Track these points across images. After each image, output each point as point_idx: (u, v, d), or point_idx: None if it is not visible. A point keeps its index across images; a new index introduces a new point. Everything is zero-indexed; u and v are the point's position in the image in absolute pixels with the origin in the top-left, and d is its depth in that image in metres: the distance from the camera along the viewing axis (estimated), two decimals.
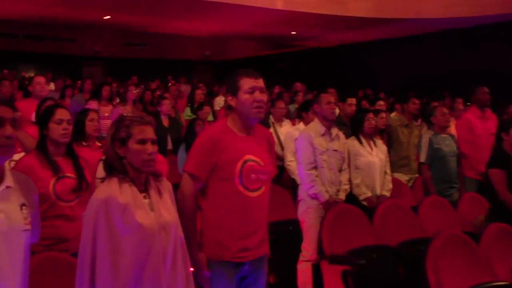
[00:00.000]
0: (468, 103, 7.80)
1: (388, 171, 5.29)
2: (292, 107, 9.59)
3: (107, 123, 7.19)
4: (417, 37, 15.64)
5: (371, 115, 5.25)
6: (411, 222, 4.84)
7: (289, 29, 16.40)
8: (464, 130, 6.36)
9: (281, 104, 6.99)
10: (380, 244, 4.45)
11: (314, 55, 19.58)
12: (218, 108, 9.69)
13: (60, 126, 3.26)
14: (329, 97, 4.83)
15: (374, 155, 5.16)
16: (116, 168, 2.41)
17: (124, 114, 2.51)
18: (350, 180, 4.99)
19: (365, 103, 8.42)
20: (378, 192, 5.10)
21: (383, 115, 6.53)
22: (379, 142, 5.40)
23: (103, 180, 2.44)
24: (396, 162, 6.22)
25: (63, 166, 3.24)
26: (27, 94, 6.71)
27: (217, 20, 15.19)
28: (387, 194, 5.14)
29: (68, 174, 3.24)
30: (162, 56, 20.95)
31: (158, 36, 20.09)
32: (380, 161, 5.17)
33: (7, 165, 2.26)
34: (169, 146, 7.01)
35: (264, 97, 2.94)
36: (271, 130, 6.55)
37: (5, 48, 18.30)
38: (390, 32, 15.59)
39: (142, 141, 2.39)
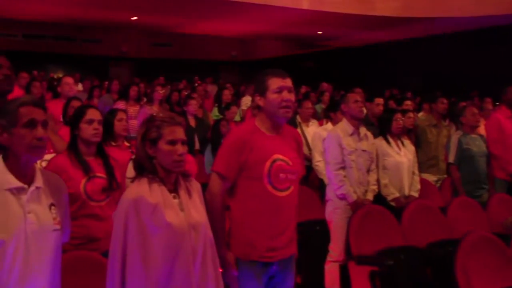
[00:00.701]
0: (497, 103, 7.69)
1: (416, 171, 5.25)
2: (319, 107, 9.56)
3: (134, 123, 7.25)
4: (446, 35, 15.44)
5: (399, 115, 5.22)
6: (440, 223, 4.79)
7: (315, 29, 16.36)
8: (494, 130, 6.25)
9: (308, 104, 6.98)
10: (408, 245, 4.42)
11: (341, 54, 19.49)
12: (245, 108, 9.69)
13: (91, 126, 3.30)
14: (356, 96, 4.82)
15: (402, 155, 5.12)
16: (146, 168, 2.42)
17: (155, 114, 2.52)
18: (378, 181, 4.96)
19: (392, 103, 8.35)
20: (406, 192, 5.07)
21: (411, 115, 6.48)
22: (407, 142, 5.36)
23: (133, 180, 2.45)
24: (424, 163, 6.17)
25: (93, 166, 3.28)
26: (56, 95, 6.79)
27: (243, 20, 15.22)
28: (415, 194, 5.10)
29: (99, 174, 3.27)
30: (189, 56, 21.05)
31: (184, 36, 20.21)
32: (408, 161, 5.14)
33: (38, 165, 2.30)
34: (197, 146, 7.04)
35: (292, 97, 2.95)
36: (298, 130, 6.54)
37: (34, 49, 18.59)
38: (418, 31, 15.43)
39: (173, 142, 2.39)
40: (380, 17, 13.67)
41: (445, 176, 6.20)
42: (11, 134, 2.15)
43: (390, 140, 5.14)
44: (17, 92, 4.66)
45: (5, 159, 2.19)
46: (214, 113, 9.18)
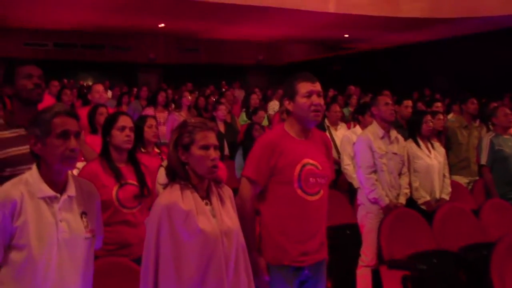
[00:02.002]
0: None
1: (447, 174, 5.18)
2: (346, 111, 9.51)
3: (163, 129, 7.31)
4: (474, 35, 15.23)
5: (428, 117, 5.16)
6: (472, 226, 4.73)
7: (342, 31, 16.32)
8: None
9: (336, 108, 6.95)
10: (440, 248, 4.37)
11: (368, 57, 19.37)
12: (272, 113, 9.70)
13: (123, 133, 3.33)
14: (386, 98, 4.80)
15: (432, 158, 5.06)
16: (178, 174, 2.43)
17: (187, 120, 2.53)
18: (410, 184, 4.91)
19: (421, 105, 8.27)
20: (437, 195, 5.01)
21: (441, 116, 6.40)
22: (437, 144, 5.30)
23: (165, 186, 2.46)
24: (455, 165, 6.11)
25: (125, 173, 3.30)
26: (86, 102, 6.89)
27: (269, 25, 15.24)
28: (447, 197, 5.03)
29: (130, 181, 3.29)
30: (216, 61, 21.13)
31: (211, 41, 20.32)
32: (439, 163, 5.07)
33: (70, 173, 2.33)
34: (226, 151, 7.06)
35: (321, 101, 2.94)
36: (327, 133, 6.51)
37: (64, 58, 18.86)
38: (445, 31, 15.26)
39: (205, 147, 2.39)
40: (406, 18, 13.58)
41: (477, 178, 6.12)
42: (44, 144, 2.19)
43: (420, 142, 5.09)
44: (48, 100, 4.73)
45: (38, 168, 2.23)
46: (242, 118, 9.20)
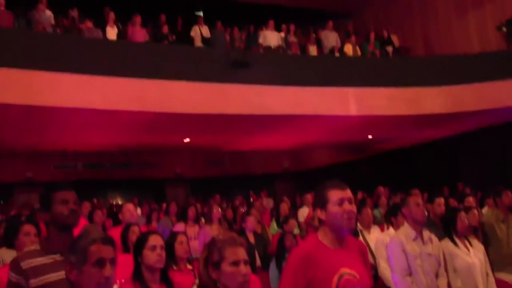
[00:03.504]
0: None
1: (490, 271, 5.01)
2: (377, 212, 9.40)
3: (195, 244, 7.26)
4: (499, 126, 15.22)
5: (462, 214, 5.06)
6: None
7: (365, 133, 16.43)
8: None
9: (367, 211, 6.88)
10: None
11: (393, 156, 19.39)
12: (303, 220, 9.62)
13: (154, 252, 3.33)
14: (417, 199, 4.74)
15: (472, 256, 4.91)
16: None
17: (216, 237, 2.53)
18: (449, 285, 4.73)
19: (452, 201, 8.15)
20: None
21: (475, 212, 6.27)
22: (475, 241, 5.15)
23: None
24: (497, 262, 5.88)
25: None
26: (116, 221, 6.93)
27: (293, 132, 15.45)
28: None
29: None
30: (242, 172, 21.36)
31: (236, 153, 20.63)
32: (480, 261, 4.91)
33: None
34: (258, 262, 6.95)
35: (354, 208, 2.91)
36: (360, 237, 6.42)
37: (93, 177, 19.26)
38: (469, 124, 15.26)
39: (235, 263, 2.39)
40: (429, 115, 13.65)
41: None
42: (80, 271, 2.20)
43: (457, 240, 4.96)
44: (81, 222, 4.77)
45: None
46: (273, 228, 9.12)
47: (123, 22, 12.96)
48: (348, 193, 2.92)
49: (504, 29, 14.69)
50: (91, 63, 10.43)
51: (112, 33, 12.22)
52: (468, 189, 12.57)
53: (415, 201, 4.65)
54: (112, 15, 12.43)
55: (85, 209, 9.11)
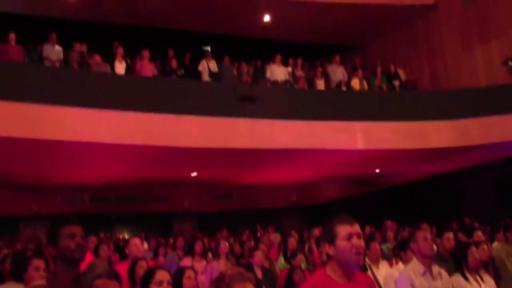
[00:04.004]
0: None
1: None
2: (385, 247, 9.31)
3: (202, 278, 7.20)
4: (504, 160, 15.15)
5: (473, 249, 5.01)
6: None
7: (373, 167, 16.40)
8: None
9: (376, 245, 6.81)
10: None
11: (401, 190, 19.29)
12: (310, 255, 9.54)
13: None
14: (425, 233, 4.69)
15: None
16: None
17: (224, 272, 2.51)
18: None
19: (461, 236, 8.07)
20: None
21: (485, 247, 6.20)
22: (486, 276, 5.09)
23: None
24: None
25: None
26: (122, 256, 6.88)
27: (300, 166, 15.43)
28: None
29: None
30: (249, 206, 21.27)
31: (243, 187, 20.59)
32: None
33: None
34: None
35: (362, 243, 2.89)
36: (368, 272, 6.33)
37: (100, 211, 19.22)
38: (477, 157, 15.21)
39: None
40: (436, 149, 13.63)
41: None
42: None
43: (468, 276, 4.90)
44: (87, 256, 4.75)
45: None
46: (280, 262, 9.04)
47: (131, 57, 13.10)
48: (356, 228, 2.90)
49: (510, 63, 14.74)
50: (99, 97, 10.52)
51: (120, 67, 12.34)
52: (476, 223, 12.45)
53: (423, 236, 4.60)
54: (120, 50, 12.57)
55: (91, 243, 9.06)
